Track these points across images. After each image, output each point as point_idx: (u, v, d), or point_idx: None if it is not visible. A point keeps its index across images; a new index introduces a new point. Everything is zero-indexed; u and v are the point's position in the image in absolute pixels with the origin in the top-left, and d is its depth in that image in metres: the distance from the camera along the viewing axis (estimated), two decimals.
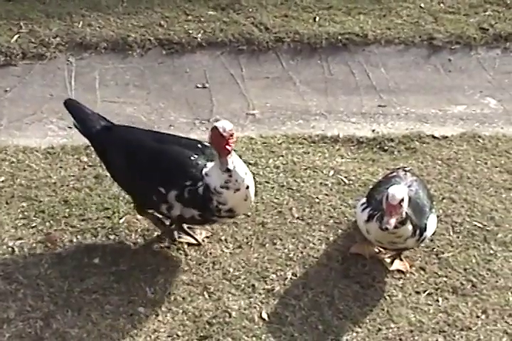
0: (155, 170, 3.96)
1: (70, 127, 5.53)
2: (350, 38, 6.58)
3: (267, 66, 6.40)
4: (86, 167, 4.99)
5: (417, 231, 3.95)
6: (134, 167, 4.05)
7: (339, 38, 6.57)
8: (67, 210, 4.57)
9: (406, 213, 3.85)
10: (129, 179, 4.10)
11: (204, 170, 3.85)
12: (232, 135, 3.68)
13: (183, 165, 3.91)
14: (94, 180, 4.84)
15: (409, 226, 3.90)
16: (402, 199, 3.78)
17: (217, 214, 3.89)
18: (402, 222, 3.85)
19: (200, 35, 6.48)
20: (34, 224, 4.45)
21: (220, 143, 3.67)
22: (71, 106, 4.37)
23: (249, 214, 4.57)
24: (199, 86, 6.14)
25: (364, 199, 4.18)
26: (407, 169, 4.43)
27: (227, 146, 3.67)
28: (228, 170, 3.70)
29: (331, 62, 6.47)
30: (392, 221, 3.76)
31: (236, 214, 4.00)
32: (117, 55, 6.34)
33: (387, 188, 4.06)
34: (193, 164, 3.90)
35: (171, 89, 6.08)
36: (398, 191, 3.79)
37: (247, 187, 3.84)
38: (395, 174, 4.33)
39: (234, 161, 3.74)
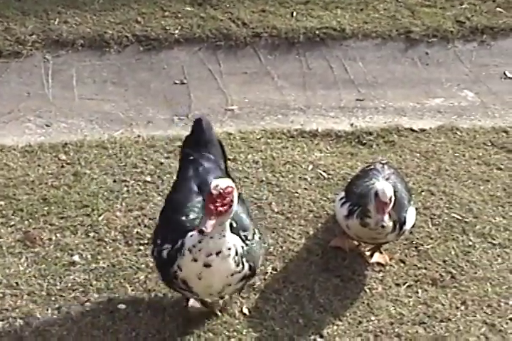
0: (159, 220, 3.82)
1: (47, 125, 5.53)
2: (328, 33, 6.59)
3: (244, 61, 6.40)
4: (64, 165, 4.96)
5: (397, 226, 3.96)
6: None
7: (317, 32, 6.57)
8: (46, 208, 4.55)
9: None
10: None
11: (191, 233, 3.42)
12: (224, 195, 3.24)
13: (168, 223, 3.61)
14: (72, 178, 4.82)
15: (390, 223, 3.91)
16: (391, 196, 3.78)
17: (175, 281, 3.49)
18: None
19: (177, 31, 6.46)
20: (12, 223, 4.43)
21: (206, 199, 3.31)
22: (202, 123, 3.97)
23: None
24: (177, 82, 6.13)
25: (343, 194, 4.18)
26: (383, 162, 4.44)
27: (211, 205, 3.22)
28: (201, 232, 3.21)
29: (308, 56, 6.48)
30: (386, 217, 3.77)
31: (193, 292, 3.53)
32: (94, 52, 6.30)
33: (366, 182, 4.08)
34: (179, 226, 3.50)
35: (148, 86, 6.07)
36: (387, 187, 3.78)
37: (206, 266, 3.35)
38: (372, 167, 4.32)
39: (222, 232, 3.33)
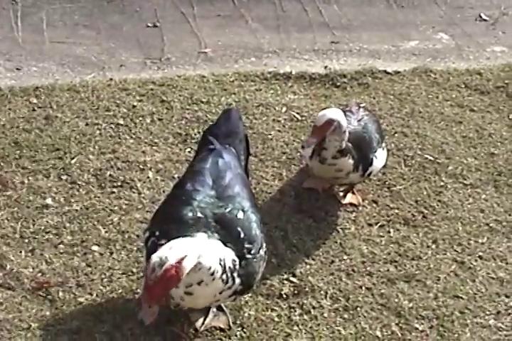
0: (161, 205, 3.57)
1: (18, 69, 5.45)
2: None
3: (218, 4, 6.32)
4: (36, 108, 4.90)
5: (360, 167, 3.98)
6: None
7: None
8: (18, 152, 4.51)
9: (346, 146, 3.88)
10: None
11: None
12: (166, 277, 2.82)
13: (171, 216, 3.28)
14: (44, 121, 4.77)
15: (350, 160, 3.92)
16: (331, 121, 3.75)
17: None
18: (341, 152, 3.87)
19: None
20: None
21: (144, 281, 2.88)
22: (231, 115, 3.73)
23: None
24: (150, 25, 6.05)
25: None
26: (361, 105, 4.43)
27: (150, 293, 2.84)
28: (142, 322, 2.91)
29: None
30: (312, 140, 3.77)
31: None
32: None
33: None
34: (182, 224, 3.20)
35: (121, 29, 5.99)
36: (327, 112, 3.79)
37: (187, 294, 3.08)
38: (347, 109, 4.32)
39: (198, 266, 2.98)
